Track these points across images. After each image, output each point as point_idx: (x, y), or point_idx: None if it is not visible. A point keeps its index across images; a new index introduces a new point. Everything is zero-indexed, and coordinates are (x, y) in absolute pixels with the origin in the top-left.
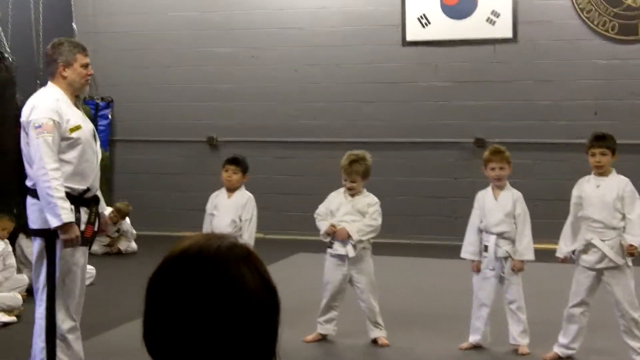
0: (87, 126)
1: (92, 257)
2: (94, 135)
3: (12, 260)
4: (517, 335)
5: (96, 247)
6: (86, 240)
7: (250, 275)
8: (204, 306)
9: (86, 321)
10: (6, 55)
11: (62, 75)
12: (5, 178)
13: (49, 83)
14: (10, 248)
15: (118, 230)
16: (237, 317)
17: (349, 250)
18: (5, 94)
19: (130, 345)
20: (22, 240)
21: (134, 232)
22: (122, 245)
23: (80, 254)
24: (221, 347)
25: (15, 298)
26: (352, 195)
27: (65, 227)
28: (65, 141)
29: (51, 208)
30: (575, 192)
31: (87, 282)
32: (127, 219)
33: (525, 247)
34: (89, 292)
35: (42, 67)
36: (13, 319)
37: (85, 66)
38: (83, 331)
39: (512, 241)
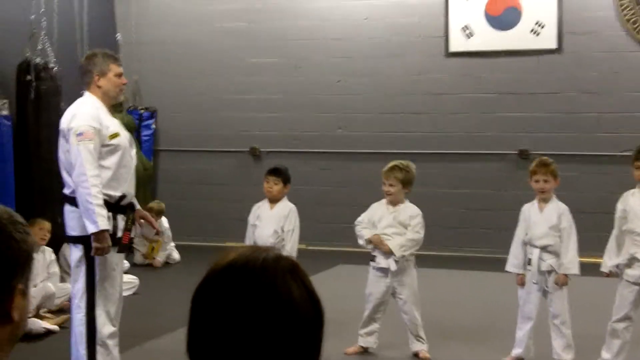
0: (125, 133)
1: (135, 268)
2: (131, 143)
3: (55, 269)
4: (561, 350)
5: (139, 258)
6: (124, 247)
7: (296, 287)
8: (250, 318)
9: (128, 330)
10: (51, 64)
11: (97, 85)
12: (50, 187)
13: (86, 93)
14: (54, 256)
15: (157, 233)
16: (283, 329)
17: (391, 264)
18: (50, 103)
19: (171, 355)
20: (66, 249)
21: (170, 234)
22: (161, 256)
23: (118, 260)
24: (267, 358)
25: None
26: (394, 206)
27: (100, 234)
28: (105, 147)
29: (89, 214)
30: (620, 206)
31: (130, 292)
32: (165, 220)
33: (570, 261)
34: (132, 302)
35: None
36: (55, 327)
37: (119, 75)
38: (125, 340)
39: (557, 255)
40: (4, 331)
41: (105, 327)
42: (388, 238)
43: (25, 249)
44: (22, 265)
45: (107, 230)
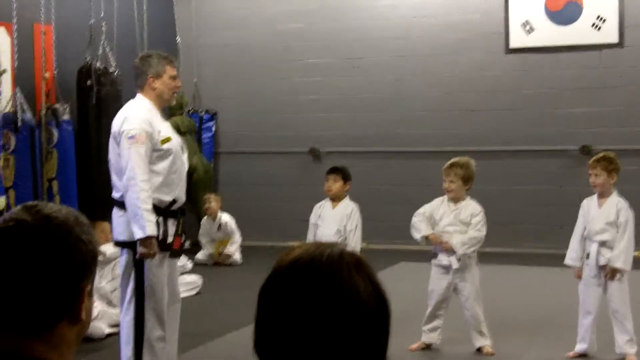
0: (176, 138)
1: (199, 267)
2: (182, 147)
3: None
4: (624, 344)
5: (202, 257)
6: (175, 252)
7: (362, 282)
8: (317, 314)
9: (190, 330)
10: (111, 69)
11: (151, 87)
12: (111, 191)
13: (138, 95)
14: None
15: (219, 227)
16: (350, 324)
17: (453, 262)
18: (110, 107)
19: (233, 355)
20: None
21: (234, 226)
22: (229, 251)
23: (167, 265)
24: (334, 354)
25: (99, 329)
26: (455, 203)
27: (147, 240)
28: (157, 152)
29: (137, 219)
30: None
31: (193, 292)
32: (227, 217)
33: (617, 255)
34: (195, 302)
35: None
36: (116, 329)
37: (174, 78)
38: (186, 340)
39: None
40: (72, 331)
41: (154, 331)
42: (449, 236)
43: (91, 249)
44: (89, 266)
45: (154, 237)
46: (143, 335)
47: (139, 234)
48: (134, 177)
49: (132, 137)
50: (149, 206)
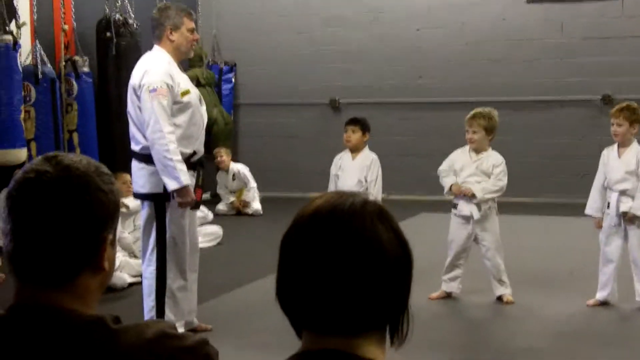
0: (195, 90)
1: (219, 218)
2: (200, 99)
3: (141, 221)
4: None
5: (223, 208)
6: (197, 203)
7: (384, 230)
8: (340, 262)
9: (211, 281)
10: (130, 21)
11: (169, 38)
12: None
13: (155, 47)
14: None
15: (233, 177)
16: (373, 272)
17: (474, 212)
18: (130, 59)
19: (255, 303)
20: None
21: (247, 173)
22: (248, 197)
23: (188, 215)
24: (356, 302)
25: (122, 279)
26: (477, 153)
27: (184, 190)
28: (177, 105)
29: (169, 171)
30: None
31: (214, 242)
32: (240, 166)
33: (638, 203)
34: (216, 252)
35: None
36: (138, 279)
37: (192, 31)
38: (207, 290)
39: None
40: (95, 280)
41: (176, 281)
42: (470, 186)
43: (113, 199)
44: (111, 215)
45: (189, 185)
46: (165, 286)
47: (173, 185)
48: (160, 130)
49: (154, 90)
50: (179, 157)
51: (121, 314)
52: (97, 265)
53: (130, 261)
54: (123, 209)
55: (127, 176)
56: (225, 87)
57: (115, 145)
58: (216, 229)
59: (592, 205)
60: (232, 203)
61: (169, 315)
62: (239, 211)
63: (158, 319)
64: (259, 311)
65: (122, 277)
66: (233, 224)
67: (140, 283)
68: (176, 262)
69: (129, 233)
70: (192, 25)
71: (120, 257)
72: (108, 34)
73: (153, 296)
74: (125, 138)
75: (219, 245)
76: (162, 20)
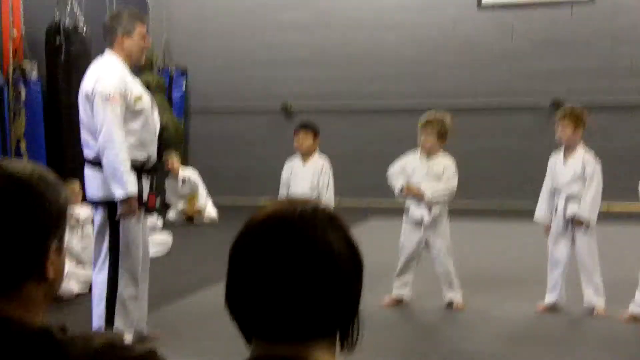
0: (147, 96)
1: (169, 226)
2: (152, 105)
3: (90, 229)
4: (592, 296)
5: (173, 216)
6: (150, 209)
7: (335, 237)
8: (289, 270)
9: (160, 289)
10: (80, 26)
11: (121, 45)
12: (81, 150)
13: (107, 52)
14: (91, 216)
15: (183, 181)
16: (323, 279)
17: (425, 216)
18: (79, 65)
19: (205, 311)
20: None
21: (197, 179)
22: (199, 206)
23: (144, 222)
24: (306, 309)
25: (68, 288)
26: (428, 157)
27: (130, 199)
28: (130, 111)
29: (117, 179)
30: None
31: (165, 251)
32: (190, 172)
33: (583, 207)
34: (166, 261)
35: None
36: (85, 289)
37: (144, 37)
38: (156, 298)
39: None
40: (40, 289)
41: (127, 289)
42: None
43: (57, 206)
44: (55, 223)
45: (135, 195)
46: (116, 294)
47: (120, 194)
48: (111, 138)
49: (106, 98)
50: (128, 165)
51: (68, 324)
52: (42, 274)
53: (77, 271)
54: (71, 218)
55: (76, 184)
56: (176, 93)
57: (64, 152)
58: (166, 237)
59: (540, 212)
60: (182, 210)
61: (118, 324)
62: (190, 218)
63: (106, 329)
64: (209, 319)
65: (69, 286)
66: (183, 232)
67: (87, 293)
68: (128, 270)
69: (77, 242)
70: (145, 30)
71: (68, 266)
72: (58, 39)
73: (103, 304)
74: (75, 145)
75: (168, 253)
76: (114, 26)
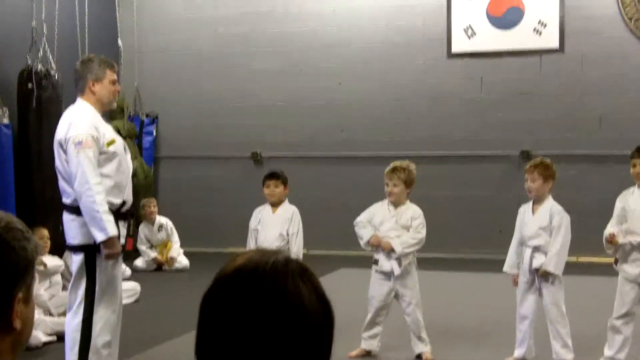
0: (119, 140)
1: (138, 274)
2: (125, 148)
3: (58, 278)
4: (559, 348)
5: (141, 264)
6: (128, 253)
7: (306, 290)
8: (260, 322)
9: (130, 338)
10: (52, 72)
11: (91, 90)
12: (52, 195)
13: (78, 100)
14: (60, 265)
15: (161, 227)
16: (293, 333)
17: (395, 267)
18: (51, 110)
19: None
20: (68, 257)
21: (172, 226)
22: (173, 254)
23: (119, 268)
24: None
25: (36, 337)
26: (396, 207)
27: (110, 241)
28: (103, 155)
29: (97, 222)
30: (618, 204)
31: (132, 299)
32: (165, 219)
33: (549, 258)
34: (134, 309)
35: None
36: (53, 338)
37: (114, 82)
38: (126, 348)
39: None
40: (5, 340)
41: (101, 337)
42: (390, 239)
43: (24, 256)
44: (21, 273)
45: (116, 236)
46: (90, 340)
47: (100, 237)
48: (87, 182)
49: (79, 143)
50: (106, 207)
51: None
52: (8, 324)
53: (46, 319)
54: (40, 267)
55: (45, 231)
56: (146, 140)
57: (34, 198)
58: (134, 285)
59: (509, 263)
60: (154, 259)
61: None
62: (160, 266)
63: None
64: None
65: (37, 335)
66: (151, 280)
67: (55, 342)
68: (103, 317)
69: (44, 290)
70: (114, 77)
71: (35, 314)
72: (30, 85)
73: (76, 349)
74: (45, 191)
75: (136, 302)
76: (85, 73)
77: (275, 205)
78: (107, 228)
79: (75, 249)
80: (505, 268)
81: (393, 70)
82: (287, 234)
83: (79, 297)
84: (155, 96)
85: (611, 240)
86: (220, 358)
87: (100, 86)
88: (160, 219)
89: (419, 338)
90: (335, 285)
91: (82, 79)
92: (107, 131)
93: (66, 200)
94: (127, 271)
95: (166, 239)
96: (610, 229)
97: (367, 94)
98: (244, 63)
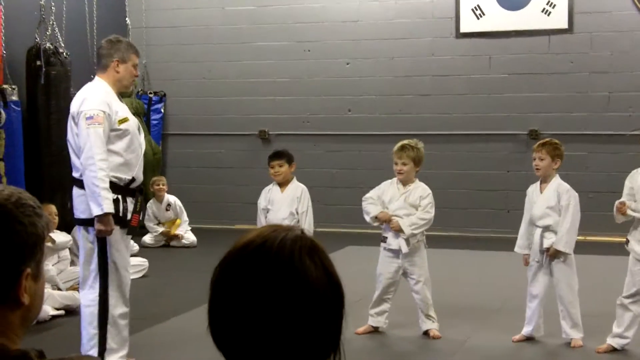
0: (133, 119)
1: (146, 250)
2: (139, 128)
3: (67, 253)
4: (569, 329)
5: (149, 240)
6: (133, 229)
7: (313, 267)
8: (268, 297)
9: (137, 313)
10: (61, 50)
11: (115, 69)
12: (60, 172)
13: (97, 77)
14: (68, 241)
15: (169, 206)
16: (299, 308)
17: (402, 245)
18: (60, 88)
19: (182, 336)
20: (76, 232)
21: (181, 205)
22: (180, 232)
23: (128, 242)
24: (285, 338)
25: (74, 297)
26: (405, 186)
27: (105, 217)
28: (114, 132)
29: (95, 197)
30: (627, 183)
31: (140, 274)
32: (174, 198)
33: (560, 238)
34: (141, 284)
35: (96, 61)
36: (61, 312)
37: (136, 67)
38: (134, 323)
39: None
40: (14, 315)
41: (118, 308)
42: (399, 218)
43: (33, 231)
44: (30, 248)
45: (111, 214)
46: (108, 313)
47: (96, 211)
48: (92, 157)
49: (90, 118)
50: (107, 184)
51: (44, 347)
52: (16, 299)
53: (54, 293)
54: (49, 243)
55: (53, 207)
56: (155, 117)
57: (43, 175)
58: (141, 261)
59: (519, 243)
60: (162, 232)
61: (111, 344)
62: (167, 243)
63: (99, 350)
64: (187, 343)
65: (45, 309)
66: (160, 256)
67: (63, 316)
68: (118, 288)
69: (53, 265)
70: (137, 62)
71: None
72: (38, 62)
73: (95, 324)
74: (53, 167)
75: (144, 277)
76: (112, 52)
77: (282, 184)
78: (103, 204)
79: (84, 222)
80: (516, 249)
81: (401, 49)
82: (297, 213)
83: (92, 272)
84: (163, 74)
85: (621, 208)
86: (232, 333)
87: (124, 67)
88: (169, 198)
89: (427, 316)
90: (343, 262)
91: (107, 57)
92: (121, 109)
93: (75, 174)
94: (135, 247)
95: (174, 217)
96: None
97: (374, 72)
98: (250, 41)
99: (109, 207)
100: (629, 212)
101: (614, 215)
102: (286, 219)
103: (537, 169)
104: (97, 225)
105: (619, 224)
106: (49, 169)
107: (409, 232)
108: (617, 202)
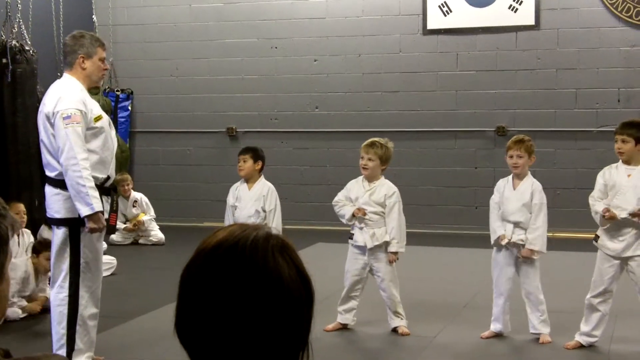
0: (105, 116)
1: (113, 248)
2: (110, 124)
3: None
4: (537, 324)
5: (117, 238)
6: (111, 228)
7: (286, 266)
8: (240, 297)
9: (106, 311)
10: (27, 47)
11: (81, 66)
12: (27, 170)
13: (66, 74)
14: (32, 239)
15: (135, 203)
16: (272, 307)
17: (367, 241)
18: (26, 85)
19: (149, 335)
20: (44, 231)
21: (148, 201)
22: (146, 232)
23: (102, 241)
24: (256, 337)
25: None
26: (370, 182)
27: (96, 216)
28: (90, 130)
29: (82, 197)
30: (600, 180)
31: (108, 272)
32: (140, 194)
33: (535, 237)
34: (110, 282)
35: (62, 59)
36: (36, 309)
37: (103, 60)
38: (103, 321)
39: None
40: None
41: (88, 308)
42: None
43: None
44: None
45: (101, 211)
46: (77, 313)
47: (86, 211)
48: (74, 157)
49: (68, 117)
50: (92, 183)
51: (11, 347)
52: None
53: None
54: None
55: (21, 206)
56: (122, 115)
57: (9, 174)
58: (110, 259)
59: (495, 230)
60: (125, 228)
61: (79, 344)
62: (136, 240)
63: (67, 349)
64: (157, 342)
65: (15, 309)
66: (128, 254)
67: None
68: (89, 289)
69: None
70: (104, 55)
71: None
72: (4, 60)
73: (64, 324)
74: (20, 166)
75: (113, 275)
76: (76, 48)
77: (249, 181)
78: (93, 203)
79: (58, 222)
80: (493, 236)
81: (368, 46)
82: (264, 211)
83: (63, 272)
84: (131, 71)
85: (612, 216)
86: (200, 332)
87: (90, 63)
88: (135, 195)
89: (395, 313)
90: (312, 259)
91: (72, 54)
92: (95, 107)
93: (50, 173)
94: (104, 245)
95: (140, 214)
96: (602, 204)
97: (342, 69)
98: (219, 37)
99: (99, 206)
100: (622, 214)
101: (599, 221)
102: (252, 216)
103: (515, 166)
104: (89, 224)
105: (593, 221)
106: (16, 167)
107: (399, 250)
108: (598, 209)
